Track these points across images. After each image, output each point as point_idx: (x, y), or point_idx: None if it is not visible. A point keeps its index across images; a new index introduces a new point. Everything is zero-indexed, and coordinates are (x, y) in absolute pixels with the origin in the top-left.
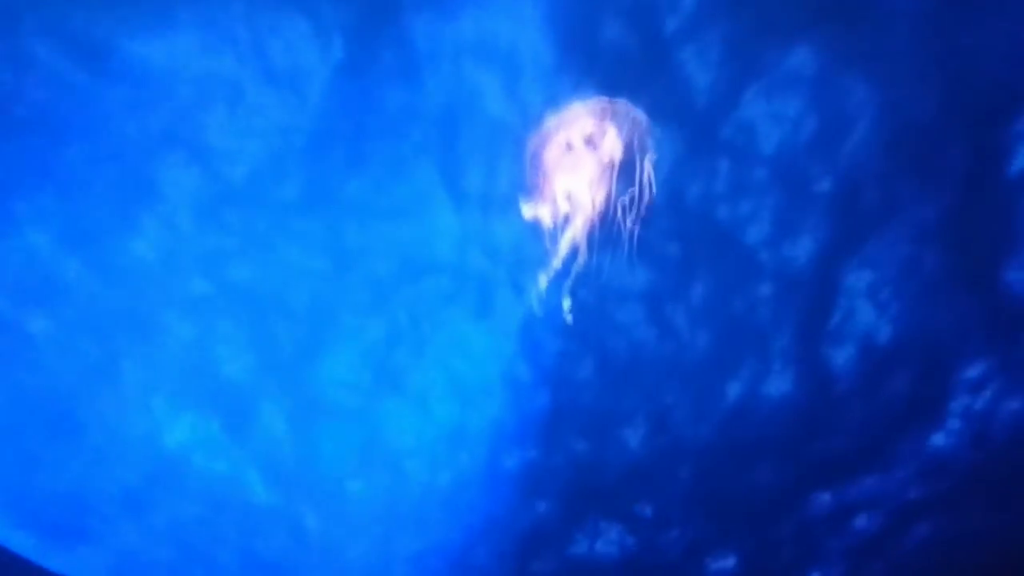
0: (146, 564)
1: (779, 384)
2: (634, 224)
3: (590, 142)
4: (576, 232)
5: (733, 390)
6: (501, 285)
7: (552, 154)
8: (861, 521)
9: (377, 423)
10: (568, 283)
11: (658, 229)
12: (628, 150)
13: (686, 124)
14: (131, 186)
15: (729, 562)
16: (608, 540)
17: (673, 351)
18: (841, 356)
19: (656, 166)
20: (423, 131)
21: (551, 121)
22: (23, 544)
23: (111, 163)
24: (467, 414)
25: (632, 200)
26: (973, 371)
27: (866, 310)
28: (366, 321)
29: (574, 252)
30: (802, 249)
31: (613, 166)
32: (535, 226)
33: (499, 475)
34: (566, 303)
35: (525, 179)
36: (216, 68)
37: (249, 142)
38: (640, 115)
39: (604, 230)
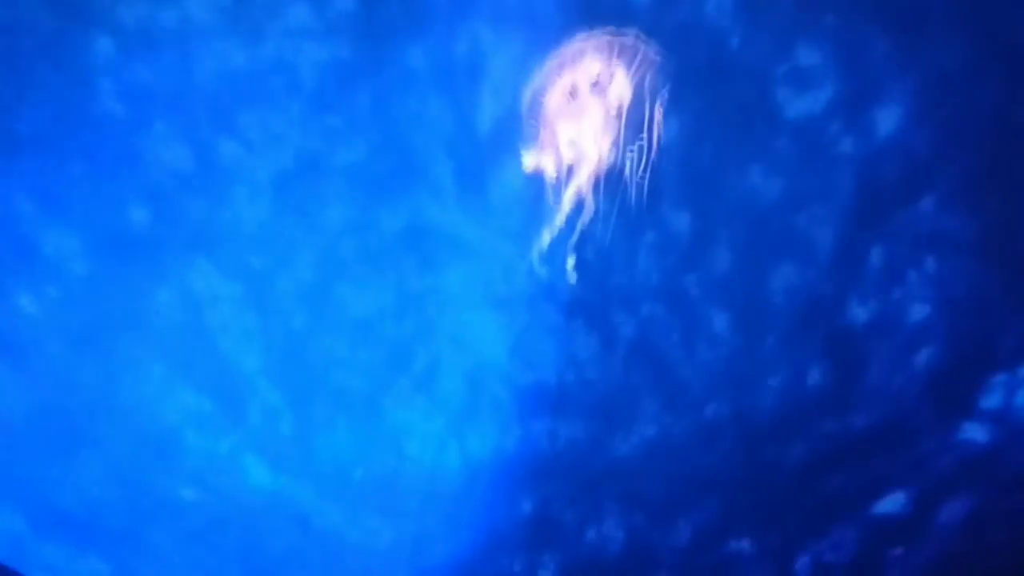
0: (142, 549)
1: (799, 361)
2: (643, 177)
3: (596, 85)
4: (581, 184)
5: (747, 365)
6: (504, 255)
7: (555, 99)
8: (883, 503)
9: (380, 403)
10: (572, 240)
11: (668, 197)
12: (637, 93)
13: (699, 84)
14: (117, 157)
15: (743, 544)
16: (618, 524)
17: (685, 327)
18: (866, 333)
19: (667, 126)
20: (424, 94)
21: (554, 62)
22: (11, 528)
23: (94, 133)
24: (473, 394)
25: (641, 150)
26: (1005, 344)
27: (892, 285)
28: (367, 296)
29: (578, 207)
30: (824, 220)
31: (621, 112)
32: (537, 180)
33: (506, 458)
34: (570, 262)
35: (528, 132)
36: (201, 30)
37: (241, 110)
38: (651, 51)
39: (611, 182)
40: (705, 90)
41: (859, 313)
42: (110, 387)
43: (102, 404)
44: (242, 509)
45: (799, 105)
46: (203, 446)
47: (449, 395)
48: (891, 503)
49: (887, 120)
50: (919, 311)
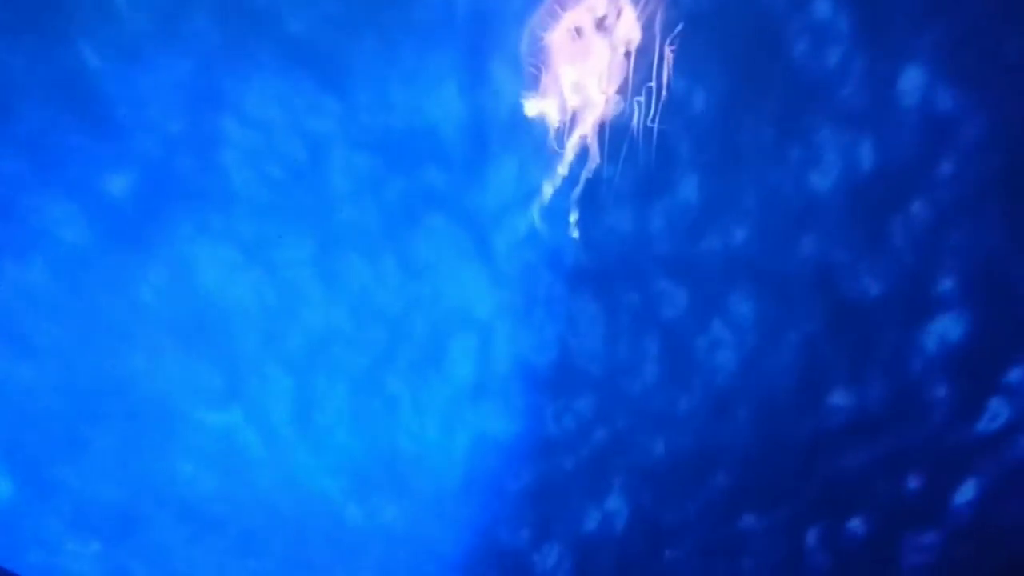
0: (137, 524)
1: (812, 333)
2: (651, 126)
3: (602, 24)
4: (585, 133)
5: (759, 338)
6: (510, 226)
7: (558, 39)
8: (898, 481)
9: (381, 377)
10: (576, 194)
11: (676, 156)
12: (647, 33)
13: (709, 38)
14: (102, 119)
15: (752, 520)
16: (624, 500)
17: (694, 297)
18: (884, 306)
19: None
20: (425, 50)
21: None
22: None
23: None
24: (476, 368)
25: (650, 96)
26: None
27: (912, 256)
28: (368, 267)
29: (582, 157)
30: (841, 186)
31: (629, 54)
32: (540, 128)
33: (510, 432)
34: (573, 217)
35: (529, 76)
36: None
37: (230, 71)
38: None
39: (617, 131)
40: (715, 44)
41: (876, 285)
42: (104, 359)
43: (95, 376)
44: (240, 483)
45: (816, 61)
46: (200, 419)
47: (452, 369)
48: (906, 481)
49: (907, 78)
50: (942, 284)
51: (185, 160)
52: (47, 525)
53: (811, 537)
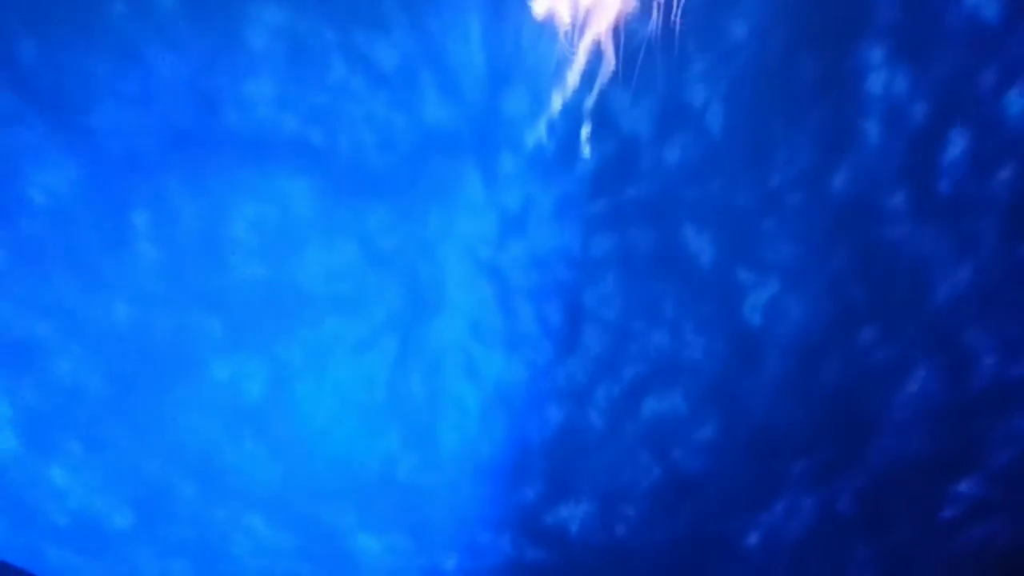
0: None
1: (843, 275)
2: (673, 24)
3: None
4: (599, 35)
5: (779, 277)
6: (519, 169)
7: None
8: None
9: (392, 322)
10: (589, 104)
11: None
12: None
13: None
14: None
15: (788, 468)
16: (652, 453)
17: (720, 232)
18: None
19: None
20: None
21: None
22: (9, 450)
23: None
24: (493, 316)
25: None
26: None
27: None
28: (368, 205)
29: (595, 63)
30: (874, 107)
31: None
32: (550, 31)
33: (533, 378)
34: (584, 131)
35: None
36: None
37: None
38: None
39: (632, 36)
40: None
41: (911, 222)
42: (102, 309)
43: (93, 325)
44: (249, 434)
45: None
46: (208, 369)
47: (463, 315)
48: (941, 429)
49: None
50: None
51: (178, 99)
52: (56, 483)
53: (842, 486)
